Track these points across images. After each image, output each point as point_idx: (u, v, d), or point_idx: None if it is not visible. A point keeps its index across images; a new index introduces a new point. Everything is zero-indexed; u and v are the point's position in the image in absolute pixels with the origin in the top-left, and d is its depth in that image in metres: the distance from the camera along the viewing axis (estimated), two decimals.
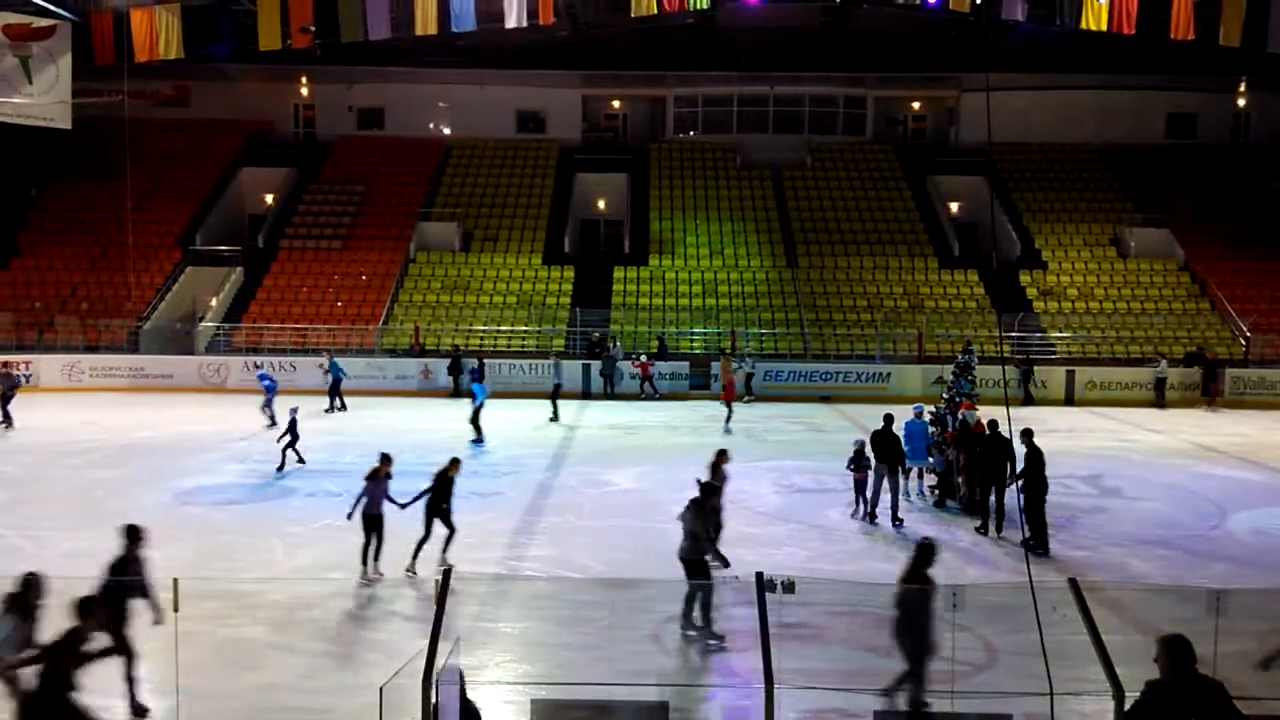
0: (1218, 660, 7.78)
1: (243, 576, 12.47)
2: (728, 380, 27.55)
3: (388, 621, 11.29)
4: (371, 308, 35.18)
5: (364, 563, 12.60)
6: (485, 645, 10.47)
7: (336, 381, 27.60)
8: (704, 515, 11.49)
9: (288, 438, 19.09)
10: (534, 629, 11.38)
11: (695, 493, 11.87)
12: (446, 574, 7.50)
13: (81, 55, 32.18)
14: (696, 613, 10.71)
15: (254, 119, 43.77)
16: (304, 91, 43.53)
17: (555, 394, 27.02)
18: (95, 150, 37.95)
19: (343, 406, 27.50)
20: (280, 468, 19.00)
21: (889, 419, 16.14)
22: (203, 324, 34.48)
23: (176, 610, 8.05)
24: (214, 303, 35.37)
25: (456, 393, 30.11)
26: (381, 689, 6.98)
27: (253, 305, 35.17)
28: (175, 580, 8.05)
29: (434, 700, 6.74)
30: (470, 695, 7.20)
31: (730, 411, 26.04)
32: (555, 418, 26.24)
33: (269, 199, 40.82)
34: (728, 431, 24.71)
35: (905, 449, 16.19)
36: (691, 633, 10.69)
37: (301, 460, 19.40)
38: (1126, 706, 6.53)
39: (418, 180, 41.54)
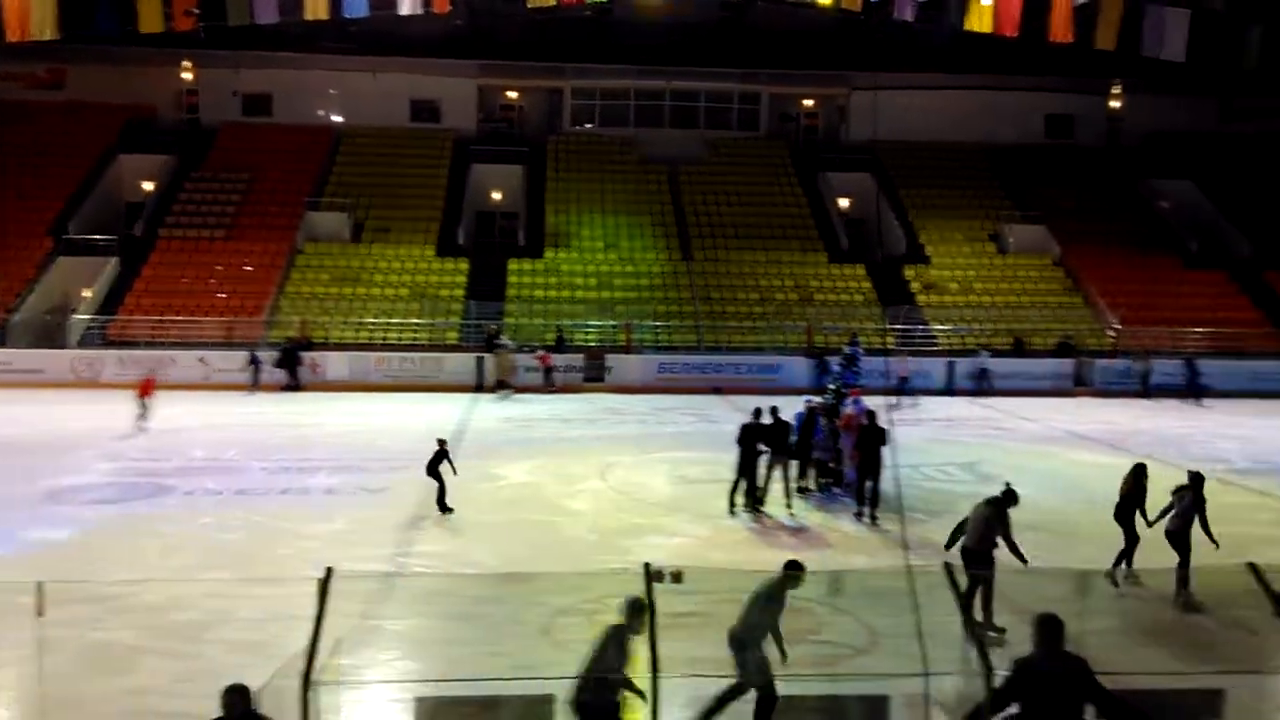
0: (1086, 637, 8.14)
1: (114, 578, 11.96)
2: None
3: (266, 623, 10.95)
4: (256, 300, 34.15)
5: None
6: (369, 644, 10.27)
7: None
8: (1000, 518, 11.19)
9: None
10: (422, 626, 11.22)
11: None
12: (328, 572, 7.29)
13: None
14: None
15: (134, 103, 41.95)
16: (187, 76, 41.72)
17: None
18: None
19: None
20: None
21: (758, 413, 16.21)
22: (75, 316, 32.99)
23: (41, 615, 7.64)
24: (88, 294, 33.87)
25: (294, 386, 29.91)
26: (259, 692, 6.80)
27: (129, 297, 33.76)
28: (39, 584, 7.63)
29: (313, 702, 6.58)
30: (344, 697, 7.04)
31: (144, 410, 22.79)
32: None
33: (148, 187, 39.18)
34: (141, 427, 22.51)
35: (792, 440, 16.48)
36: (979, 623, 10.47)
37: None
38: (996, 684, 6.77)
39: (306, 169, 40.47)
